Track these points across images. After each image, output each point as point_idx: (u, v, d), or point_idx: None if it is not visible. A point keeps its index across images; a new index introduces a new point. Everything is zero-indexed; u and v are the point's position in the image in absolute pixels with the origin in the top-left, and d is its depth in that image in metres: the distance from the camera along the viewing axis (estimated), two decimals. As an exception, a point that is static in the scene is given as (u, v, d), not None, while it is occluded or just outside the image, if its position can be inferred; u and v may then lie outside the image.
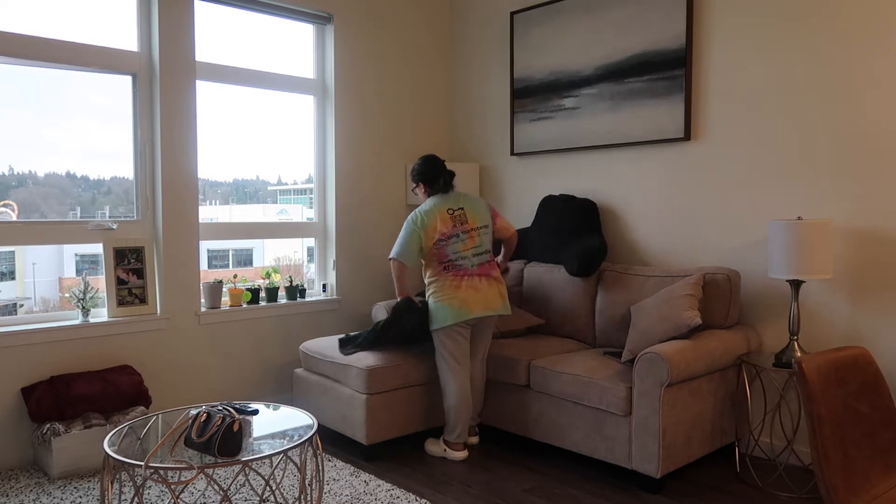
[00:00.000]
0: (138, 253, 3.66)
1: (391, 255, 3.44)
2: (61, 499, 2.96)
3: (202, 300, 3.91)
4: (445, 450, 3.46)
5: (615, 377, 3.10)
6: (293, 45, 4.38)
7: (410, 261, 3.42)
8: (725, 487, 3.08)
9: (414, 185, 3.59)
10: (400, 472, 3.28)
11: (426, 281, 3.47)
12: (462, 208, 3.45)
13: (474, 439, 3.64)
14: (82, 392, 3.27)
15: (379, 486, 3.09)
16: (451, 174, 3.51)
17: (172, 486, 2.26)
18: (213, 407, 2.36)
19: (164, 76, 3.68)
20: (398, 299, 3.49)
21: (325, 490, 3.04)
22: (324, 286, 4.48)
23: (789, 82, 3.33)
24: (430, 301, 3.40)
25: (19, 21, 3.35)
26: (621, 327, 3.60)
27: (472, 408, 3.49)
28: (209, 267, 4.38)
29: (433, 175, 3.50)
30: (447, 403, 3.43)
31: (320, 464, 2.52)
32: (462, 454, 3.44)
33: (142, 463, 2.17)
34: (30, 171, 3.55)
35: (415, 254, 3.41)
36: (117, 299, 3.59)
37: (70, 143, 3.61)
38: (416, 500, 2.93)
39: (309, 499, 2.61)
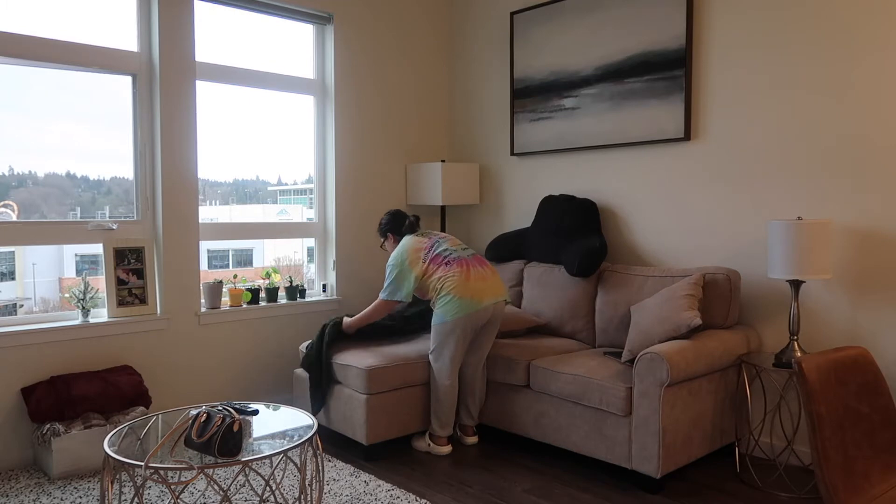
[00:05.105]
0: (138, 253, 3.66)
1: (381, 297, 3.49)
2: (61, 499, 2.96)
3: (202, 300, 3.91)
4: (430, 444, 3.50)
5: (615, 377, 3.10)
6: (293, 45, 4.38)
7: (404, 294, 3.44)
8: (725, 487, 3.08)
9: (383, 239, 3.75)
10: (400, 472, 3.28)
11: (435, 289, 3.42)
12: (428, 231, 3.67)
13: (473, 439, 3.65)
14: (82, 392, 3.27)
15: (379, 486, 3.09)
16: (417, 218, 3.69)
17: (172, 487, 2.26)
18: (213, 407, 2.36)
19: (164, 76, 3.68)
20: (346, 320, 3.65)
21: (325, 490, 3.04)
22: (324, 286, 4.48)
23: (789, 82, 3.33)
24: (442, 297, 3.38)
25: (19, 21, 3.35)
26: (621, 327, 3.60)
27: (456, 404, 3.55)
28: (209, 267, 4.38)
29: (398, 223, 3.70)
30: (438, 399, 3.47)
31: (320, 464, 2.52)
32: (447, 448, 3.50)
33: (142, 463, 2.17)
34: (30, 172, 3.55)
35: (410, 285, 3.44)
36: (117, 299, 3.59)
37: (70, 144, 3.61)
38: (416, 500, 2.93)
39: (309, 499, 2.61)
